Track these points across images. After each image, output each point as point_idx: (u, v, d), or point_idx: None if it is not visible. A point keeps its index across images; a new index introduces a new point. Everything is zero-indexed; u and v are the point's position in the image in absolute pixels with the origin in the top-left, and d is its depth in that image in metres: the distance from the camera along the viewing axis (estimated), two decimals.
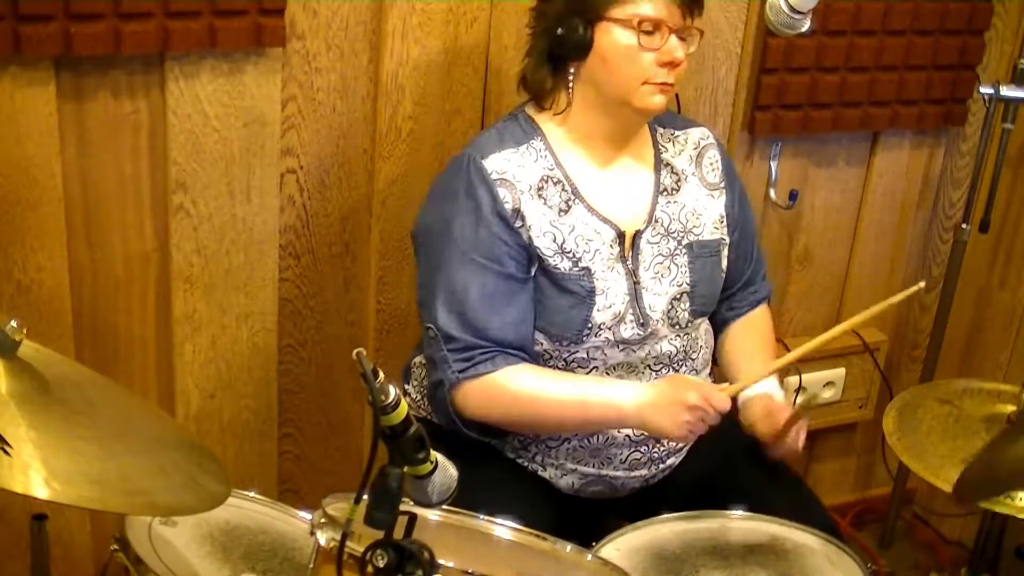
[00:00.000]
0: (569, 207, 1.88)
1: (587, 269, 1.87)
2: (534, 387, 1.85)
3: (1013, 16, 2.68)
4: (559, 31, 1.83)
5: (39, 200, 1.96)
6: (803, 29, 1.98)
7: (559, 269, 1.86)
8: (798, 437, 1.91)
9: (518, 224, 1.85)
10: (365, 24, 2.12)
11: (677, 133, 2.02)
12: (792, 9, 1.93)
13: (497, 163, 1.86)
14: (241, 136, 2.08)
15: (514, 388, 1.84)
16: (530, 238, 1.85)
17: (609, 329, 1.88)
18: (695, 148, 2.02)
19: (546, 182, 1.87)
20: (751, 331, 2.10)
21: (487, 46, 2.22)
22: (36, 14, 1.82)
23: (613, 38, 1.82)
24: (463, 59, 2.21)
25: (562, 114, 1.90)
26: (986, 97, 2.52)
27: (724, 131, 2.49)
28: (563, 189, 1.88)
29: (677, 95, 2.01)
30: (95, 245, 2.04)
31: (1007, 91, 2.49)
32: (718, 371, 2.12)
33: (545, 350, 1.90)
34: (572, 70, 1.87)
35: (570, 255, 1.86)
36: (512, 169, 1.86)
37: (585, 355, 1.89)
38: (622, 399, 1.84)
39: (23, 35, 1.82)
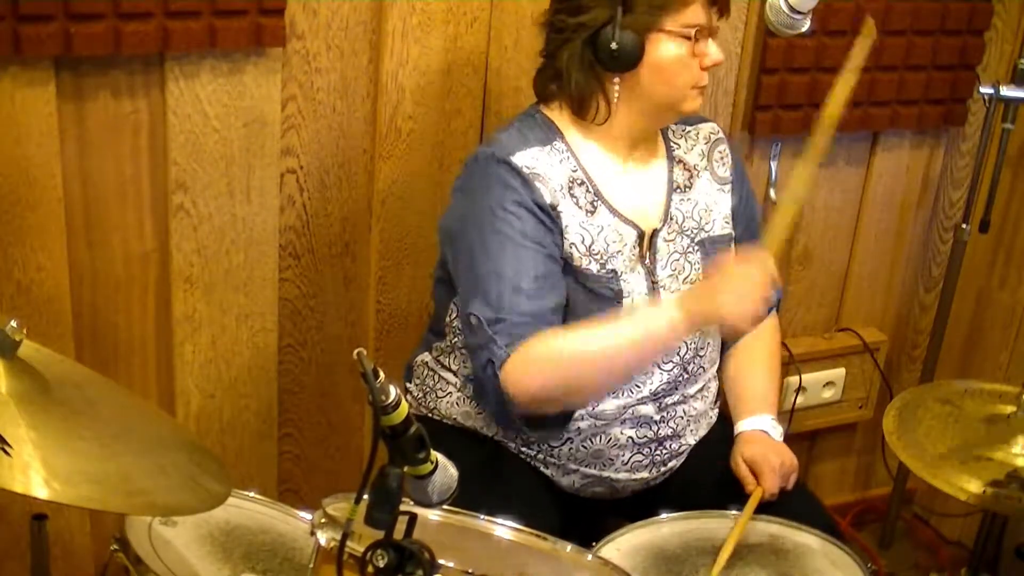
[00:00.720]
0: (595, 208, 1.87)
1: (614, 271, 1.85)
2: (576, 338, 1.76)
3: (1013, 16, 2.68)
4: (613, 46, 1.78)
5: (39, 200, 1.96)
6: (803, 29, 1.98)
7: (589, 271, 1.84)
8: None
9: (556, 216, 1.83)
10: (365, 24, 2.12)
11: (688, 128, 2.01)
12: (792, 9, 1.93)
13: (526, 159, 1.83)
14: (241, 136, 2.08)
15: (558, 344, 1.75)
16: (564, 235, 1.83)
17: None
18: (707, 142, 2.02)
19: (573, 183, 1.86)
20: (754, 352, 2.09)
21: (487, 46, 2.22)
22: (36, 14, 1.82)
23: (667, 49, 1.80)
24: (463, 59, 2.21)
25: (589, 119, 1.88)
26: (986, 97, 2.52)
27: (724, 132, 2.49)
28: (587, 190, 1.87)
29: None
30: (95, 245, 2.04)
31: (1007, 91, 2.48)
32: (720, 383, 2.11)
33: None
34: (616, 81, 1.84)
35: (598, 257, 1.85)
36: (542, 167, 1.84)
37: None
38: (662, 310, 1.77)
39: (23, 35, 1.82)
